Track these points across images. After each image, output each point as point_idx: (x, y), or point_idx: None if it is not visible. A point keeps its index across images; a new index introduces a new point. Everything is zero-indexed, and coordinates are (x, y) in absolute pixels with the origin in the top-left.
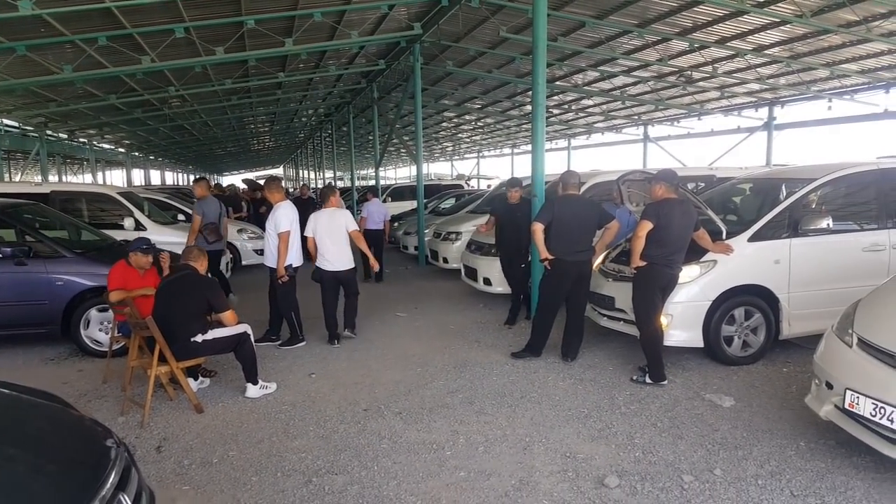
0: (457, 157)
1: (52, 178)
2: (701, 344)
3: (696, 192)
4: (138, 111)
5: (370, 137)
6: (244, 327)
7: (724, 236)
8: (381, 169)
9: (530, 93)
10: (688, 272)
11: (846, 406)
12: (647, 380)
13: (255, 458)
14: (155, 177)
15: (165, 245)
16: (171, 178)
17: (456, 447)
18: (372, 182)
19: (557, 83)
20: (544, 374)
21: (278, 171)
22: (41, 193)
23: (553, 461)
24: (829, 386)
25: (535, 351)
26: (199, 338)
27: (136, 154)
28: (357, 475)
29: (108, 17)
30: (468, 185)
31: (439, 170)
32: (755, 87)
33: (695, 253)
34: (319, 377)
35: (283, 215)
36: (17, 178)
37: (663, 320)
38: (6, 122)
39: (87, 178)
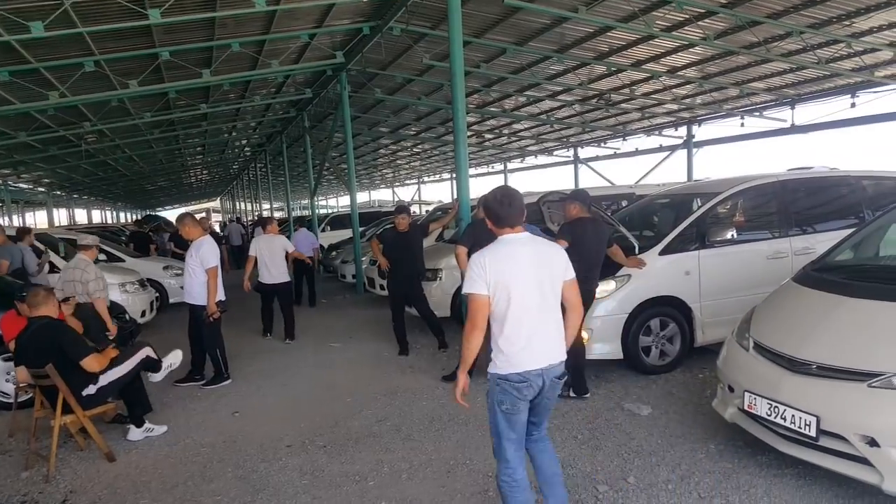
0: (398, 184)
1: None
2: (621, 355)
3: (619, 210)
4: (54, 148)
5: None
6: (140, 357)
7: (636, 251)
8: (323, 198)
9: None
10: (604, 287)
11: (746, 408)
12: (571, 393)
13: None
14: (82, 216)
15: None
16: (98, 216)
17: (380, 476)
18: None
19: (488, 108)
20: (473, 395)
21: (215, 204)
22: None
23: (475, 482)
24: (731, 389)
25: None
26: (91, 389)
27: (59, 193)
28: None
29: (9, 52)
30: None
31: (381, 196)
32: (673, 107)
33: (610, 268)
34: (244, 415)
35: (210, 251)
36: None
37: (584, 335)
38: None
39: (5, 220)
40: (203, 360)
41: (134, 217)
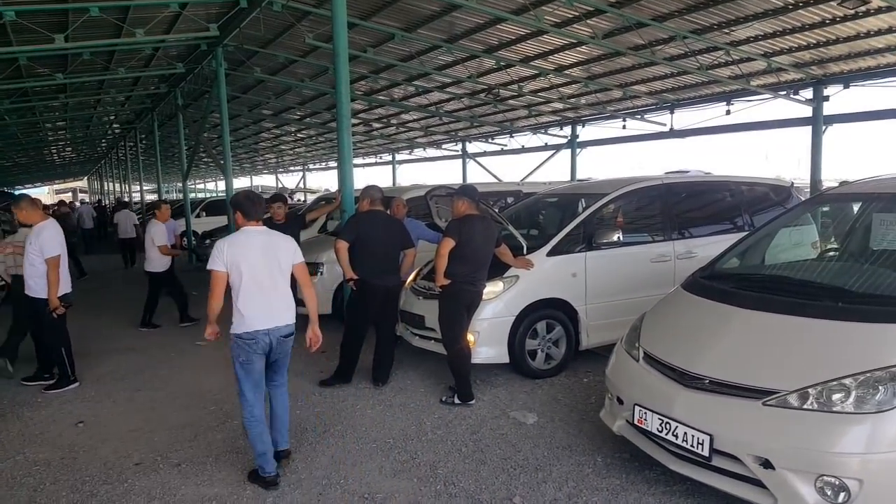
0: (282, 170)
1: None
2: (507, 359)
3: (506, 207)
4: None
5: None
6: None
7: (524, 251)
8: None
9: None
10: (492, 288)
11: (636, 422)
12: (456, 400)
13: None
14: None
15: None
16: None
17: (240, 500)
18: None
19: (376, 97)
20: (353, 402)
21: (82, 184)
22: None
23: None
24: (620, 401)
25: (344, 377)
26: None
27: None
28: None
29: None
30: (292, 198)
31: (264, 182)
32: (559, 106)
33: (498, 269)
34: (89, 426)
35: (50, 237)
36: None
37: (470, 338)
38: None
39: None
40: (50, 358)
41: None
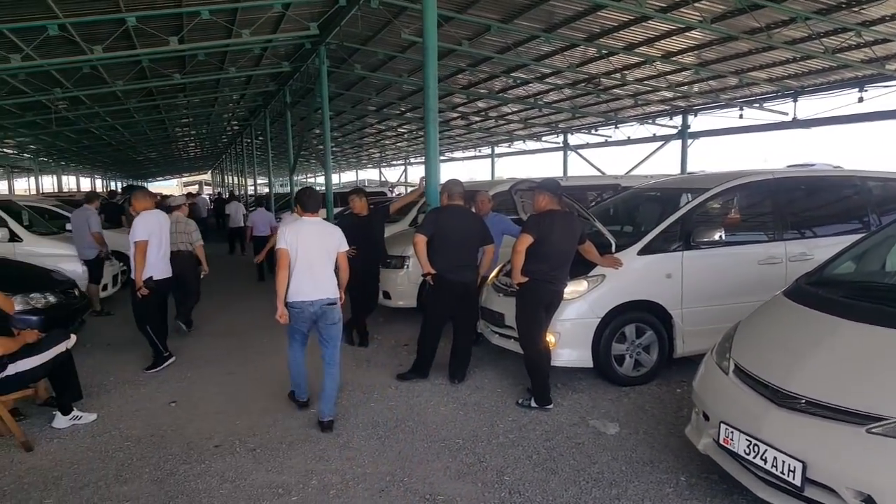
0: (384, 164)
1: None
2: (591, 364)
3: (600, 201)
4: (31, 114)
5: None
6: (61, 347)
7: (613, 249)
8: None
9: (447, 99)
10: (576, 287)
11: (722, 441)
12: (533, 403)
13: None
14: (72, 183)
15: (41, 258)
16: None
17: (305, 491)
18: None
19: (473, 89)
20: (427, 399)
21: (206, 177)
22: None
23: None
24: (706, 417)
25: (420, 372)
26: None
27: (45, 159)
28: None
29: None
30: (392, 192)
31: (369, 176)
32: (668, 94)
33: (583, 267)
34: (181, 406)
35: (137, 224)
36: None
37: (550, 339)
38: None
39: None
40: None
41: (121, 186)
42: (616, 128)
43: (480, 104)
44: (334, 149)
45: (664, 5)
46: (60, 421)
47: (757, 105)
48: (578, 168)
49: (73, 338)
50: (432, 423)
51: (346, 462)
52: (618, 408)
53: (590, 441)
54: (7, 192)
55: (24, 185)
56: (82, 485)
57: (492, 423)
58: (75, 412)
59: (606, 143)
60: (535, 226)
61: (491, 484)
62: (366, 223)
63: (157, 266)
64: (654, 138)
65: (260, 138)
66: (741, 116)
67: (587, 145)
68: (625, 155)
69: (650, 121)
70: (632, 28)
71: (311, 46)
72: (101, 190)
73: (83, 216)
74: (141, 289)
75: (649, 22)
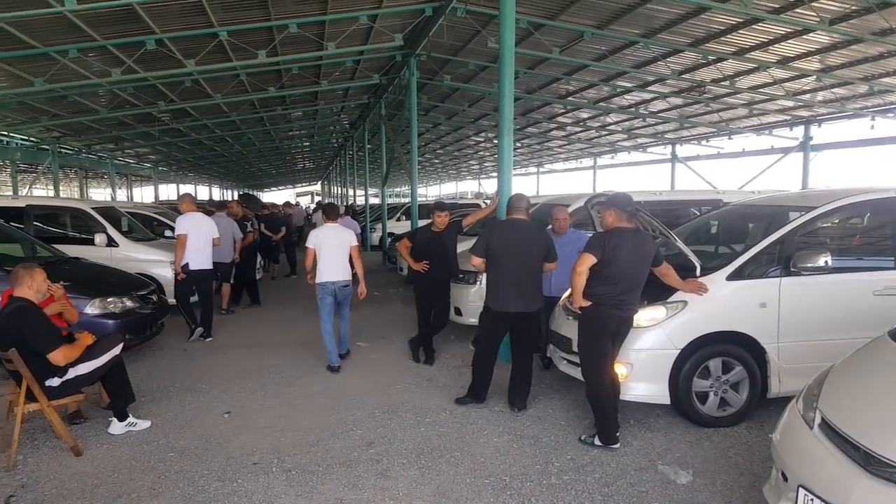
0: (483, 176)
1: (73, 192)
2: (667, 400)
3: (691, 218)
4: (142, 126)
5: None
6: (116, 351)
7: (697, 273)
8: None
9: (544, 109)
10: (652, 314)
11: None
12: (597, 441)
13: None
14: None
15: (135, 262)
16: (205, 192)
17: None
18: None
19: (570, 98)
20: (481, 427)
21: (317, 188)
22: (16, 207)
23: None
24: (785, 477)
25: (477, 396)
26: (54, 381)
27: (164, 168)
28: None
29: (75, 30)
30: (485, 203)
31: (468, 188)
32: (787, 104)
33: (663, 291)
34: (234, 417)
35: (180, 220)
36: (25, 191)
37: (622, 370)
38: (20, 135)
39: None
40: (209, 318)
41: (236, 195)
42: (729, 138)
43: (581, 114)
44: (433, 160)
45: (776, 6)
46: (116, 427)
47: (891, 114)
48: (688, 181)
49: (121, 344)
50: (481, 455)
51: (379, 492)
52: (695, 452)
53: (655, 490)
54: (126, 200)
55: (148, 194)
56: (117, 495)
57: (547, 459)
58: (131, 419)
59: (719, 155)
60: (599, 245)
61: None
62: (439, 238)
63: (194, 257)
64: (771, 150)
65: (360, 152)
66: (873, 127)
67: (697, 157)
68: (740, 168)
69: (767, 131)
70: (741, 31)
71: (402, 58)
72: (217, 198)
73: (228, 225)
74: (179, 274)
75: (760, 24)
